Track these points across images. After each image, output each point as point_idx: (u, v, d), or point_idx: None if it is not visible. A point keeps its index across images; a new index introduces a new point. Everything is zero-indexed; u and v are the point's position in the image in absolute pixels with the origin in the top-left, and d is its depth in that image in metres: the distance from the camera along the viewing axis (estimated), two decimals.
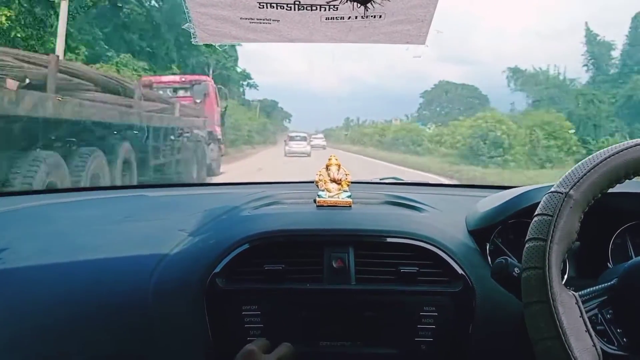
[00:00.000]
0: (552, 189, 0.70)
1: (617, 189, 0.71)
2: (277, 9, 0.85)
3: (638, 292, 0.65)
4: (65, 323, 1.04)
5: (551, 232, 0.66)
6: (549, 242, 0.66)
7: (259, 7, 0.84)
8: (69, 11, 8.43)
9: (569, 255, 0.69)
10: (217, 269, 1.05)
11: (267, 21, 0.88)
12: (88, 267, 1.11)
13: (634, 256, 1.09)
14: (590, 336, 0.64)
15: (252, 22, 0.88)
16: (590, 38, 22.16)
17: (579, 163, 0.71)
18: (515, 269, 0.77)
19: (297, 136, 22.11)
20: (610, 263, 1.11)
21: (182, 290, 1.05)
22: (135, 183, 6.66)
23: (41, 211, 1.43)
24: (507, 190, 1.22)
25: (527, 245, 0.68)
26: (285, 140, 21.82)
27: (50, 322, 1.04)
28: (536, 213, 0.69)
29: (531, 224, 0.69)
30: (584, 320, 0.65)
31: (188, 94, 10.53)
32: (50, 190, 1.68)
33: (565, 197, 0.67)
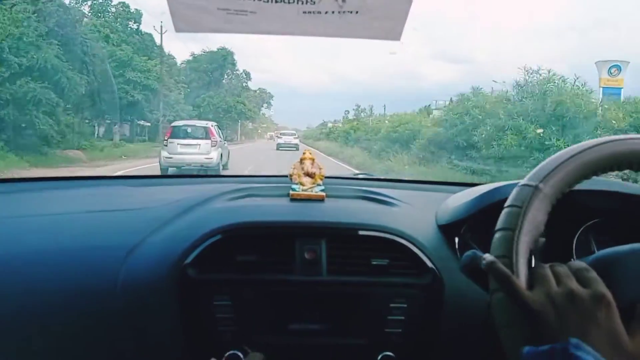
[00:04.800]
0: (522, 182, 0.71)
1: (582, 186, 0.73)
2: (254, 0, 0.85)
3: None
4: (32, 313, 1.03)
5: (519, 223, 0.68)
6: (516, 232, 0.67)
7: None
8: None
9: (534, 250, 0.71)
10: (189, 260, 1.05)
11: (243, 13, 0.88)
12: (57, 256, 1.10)
13: (596, 252, 1.13)
14: None
15: (229, 13, 0.88)
16: None
17: (550, 157, 0.72)
18: (483, 262, 0.79)
19: (186, 128, 12.32)
20: (574, 259, 1.14)
21: (153, 281, 1.05)
22: None
23: (11, 199, 1.41)
24: (477, 187, 1.24)
25: (495, 235, 0.70)
26: (164, 140, 11.99)
27: (15, 311, 1.02)
28: (506, 205, 0.71)
29: (500, 216, 0.71)
30: None
31: None
32: (21, 179, 1.65)
33: (534, 189, 0.69)
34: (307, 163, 1.31)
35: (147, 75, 21.64)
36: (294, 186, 1.29)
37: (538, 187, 0.69)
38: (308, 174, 1.30)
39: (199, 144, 11.68)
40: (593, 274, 0.65)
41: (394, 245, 1.08)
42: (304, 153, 1.34)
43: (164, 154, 11.46)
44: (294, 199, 1.27)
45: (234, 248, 1.07)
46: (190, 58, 30.63)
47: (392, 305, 1.05)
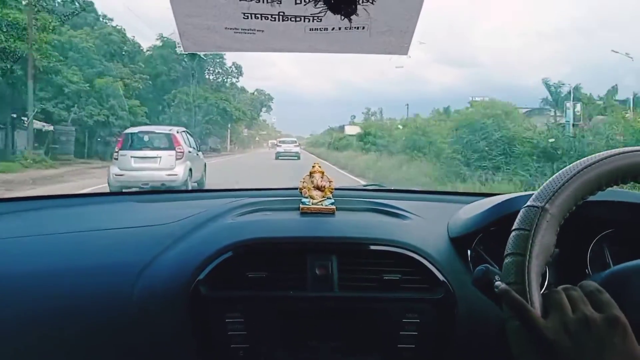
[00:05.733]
0: (529, 203, 0.71)
1: (595, 197, 0.72)
2: (261, 19, 0.85)
3: (617, 300, 0.67)
4: (47, 329, 1.04)
5: (529, 246, 0.67)
6: (527, 257, 0.67)
7: (244, 18, 0.85)
8: None
9: (548, 263, 0.71)
10: (201, 277, 1.05)
11: (251, 31, 0.89)
12: (72, 273, 1.10)
13: (611, 263, 1.11)
14: None
15: (237, 32, 0.89)
16: None
17: (554, 176, 0.72)
18: (496, 277, 0.78)
19: (142, 135, 9.77)
20: (588, 270, 1.13)
21: (165, 298, 1.05)
22: None
23: (25, 217, 1.42)
24: (489, 198, 1.24)
25: (506, 261, 0.69)
26: (115, 153, 9.52)
27: (31, 327, 1.03)
28: (514, 227, 0.70)
29: (509, 239, 0.70)
30: None
31: None
32: (29, 197, 1.66)
33: (541, 211, 0.68)
34: (317, 176, 1.31)
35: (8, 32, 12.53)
36: (304, 200, 1.28)
37: (545, 207, 0.68)
38: (318, 188, 1.30)
39: (160, 157, 9.11)
40: (606, 296, 0.65)
41: (406, 259, 1.08)
42: (313, 166, 1.34)
43: (114, 170, 8.92)
44: (304, 213, 1.27)
45: (245, 264, 1.07)
46: (159, 43, 21.81)
47: (404, 320, 1.04)
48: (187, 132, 10.67)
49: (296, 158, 19.68)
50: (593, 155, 0.71)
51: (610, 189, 0.73)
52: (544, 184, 0.71)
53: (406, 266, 1.07)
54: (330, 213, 1.27)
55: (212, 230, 1.20)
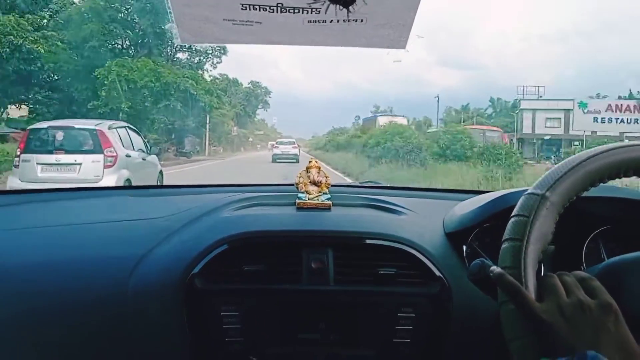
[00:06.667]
0: (529, 191, 0.71)
1: (591, 193, 0.73)
2: (259, 11, 0.85)
3: (611, 293, 0.67)
4: (43, 321, 1.03)
5: (527, 232, 0.67)
6: (524, 243, 0.67)
7: (242, 9, 0.85)
8: None
9: (543, 258, 0.71)
10: (196, 270, 1.04)
11: (249, 23, 0.88)
12: (67, 266, 1.10)
13: (606, 260, 1.12)
14: None
15: (235, 24, 0.89)
16: None
17: (556, 166, 0.72)
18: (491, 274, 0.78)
19: (53, 133, 6.87)
20: (583, 266, 1.14)
21: (160, 291, 1.05)
22: None
23: (20, 209, 1.41)
24: (484, 194, 1.24)
25: (503, 246, 0.69)
26: (16, 157, 6.78)
27: (27, 319, 1.02)
28: (513, 214, 0.71)
29: (508, 225, 0.70)
30: None
31: None
32: (30, 190, 1.65)
33: (541, 198, 0.69)
34: (313, 171, 1.31)
35: None
36: (300, 195, 1.28)
37: (545, 195, 0.69)
38: (314, 183, 1.30)
39: (79, 163, 6.67)
40: (597, 283, 0.65)
41: (402, 254, 1.08)
42: (309, 162, 1.34)
43: (13, 182, 6.55)
44: (300, 208, 1.27)
45: (240, 258, 1.07)
46: None
47: (400, 314, 1.05)
48: (130, 128, 8.02)
49: (295, 161, 18.61)
50: (598, 147, 0.72)
51: (608, 185, 0.74)
52: (546, 173, 0.72)
53: (402, 261, 1.08)
54: (327, 208, 1.27)
55: (207, 224, 1.20)
